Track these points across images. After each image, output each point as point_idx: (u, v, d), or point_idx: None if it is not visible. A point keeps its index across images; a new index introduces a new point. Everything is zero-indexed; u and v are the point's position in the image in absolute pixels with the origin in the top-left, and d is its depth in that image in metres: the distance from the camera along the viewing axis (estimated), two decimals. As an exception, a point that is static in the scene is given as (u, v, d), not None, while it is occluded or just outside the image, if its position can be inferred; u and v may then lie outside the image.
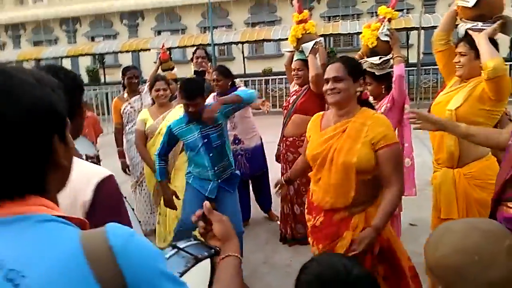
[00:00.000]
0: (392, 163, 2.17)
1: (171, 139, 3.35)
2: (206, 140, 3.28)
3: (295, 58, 4.01)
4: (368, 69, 3.47)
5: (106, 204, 1.26)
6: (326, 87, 2.31)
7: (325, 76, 2.35)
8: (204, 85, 3.40)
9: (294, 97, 3.98)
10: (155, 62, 5.77)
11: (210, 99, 4.20)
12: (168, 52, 5.64)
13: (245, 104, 3.48)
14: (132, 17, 23.89)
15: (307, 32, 3.84)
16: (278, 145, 4.32)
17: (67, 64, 22.91)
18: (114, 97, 5.99)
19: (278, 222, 4.41)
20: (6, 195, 0.77)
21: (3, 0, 25.92)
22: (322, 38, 4.06)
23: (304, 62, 3.84)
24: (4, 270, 0.70)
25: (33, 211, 0.77)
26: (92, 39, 24.26)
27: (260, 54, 22.12)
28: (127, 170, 4.73)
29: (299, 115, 3.85)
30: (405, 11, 19.66)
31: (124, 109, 4.64)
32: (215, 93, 4.42)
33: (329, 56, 18.48)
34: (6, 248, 0.73)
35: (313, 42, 3.79)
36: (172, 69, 5.44)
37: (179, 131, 3.31)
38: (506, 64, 2.51)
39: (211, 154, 3.33)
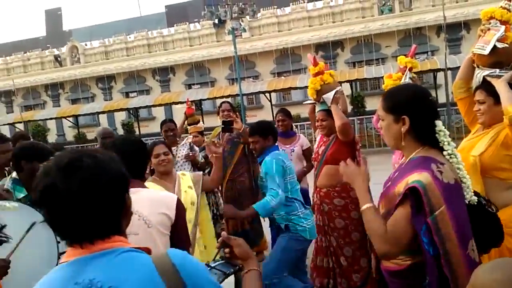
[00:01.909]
0: None
1: None
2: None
3: (317, 109, 3.95)
4: None
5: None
6: None
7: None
8: (271, 126, 3.76)
9: (323, 147, 3.91)
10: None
11: None
12: (193, 106, 5.82)
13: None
14: (164, 73, 24.98)
15: (326, 82, 3.80)
16: (312, 196, 4.23)
17: (103, 118, 23.97)
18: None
19: (308, 276, 4.15)
20: (99, 236, 1.10)
21: (44, 63, 27.70)
22: (341, 87, 4.07)
23: (327, 112, 3.81)
24: None
25: (116, 246, 1.11)
26: (127, 95, 25.39)
27: (287, 101, 22.54)
28: None
29: (331, 165, 3.75)
30: (429, 53, 19.85)
31: None
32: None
33: (357, 100, 18.76)
34: (101, 273, 1.06)
35: (333, 92, 3.76)
36: (197, 122, 5.61)
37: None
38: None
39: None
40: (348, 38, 21.55)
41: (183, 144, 4.93)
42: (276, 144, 3.78)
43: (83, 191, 1.06)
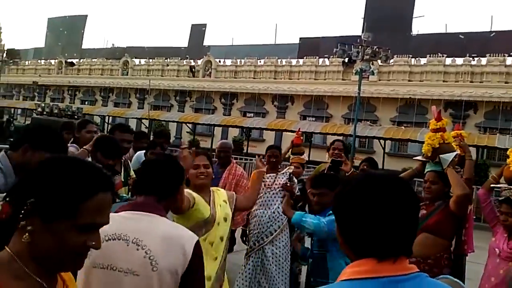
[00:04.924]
0: None
1: None
2: (312, 241, 3.22)
3: (427, 168, 3.52)
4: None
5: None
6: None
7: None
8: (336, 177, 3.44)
9: (424, 211, 3.43)
10: None
11: None
12: (302, 137, 5.75)
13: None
14: (283, 100, 25.53)
15: (446, 141, 3.39)
16: None
17: (218, 131, 25.15)
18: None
19: None
20: (405, 253, 1.08)
21: (180, 71, 30.14)
22: (458, 152, 3.62)
23: (439, 174, 3.38)
24: None
25: (415, 268, 1.09)
26: (244, 114, 26.41)
27: (402, 152, 21.42)
28: (244, 238, 4.77)
29: (430, 235, 3.30)
30: None
31: None
32: None
33: (480, 168, 17.12)
34: None
35: (454, 154, 3.35)
36: (302, 153, 5.50)
37: None
38: None
39: (310, 260, 3.22)
40: (485, 101, 19.89)
41: (283, 173, 4.82)
42: None
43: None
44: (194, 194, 2.80)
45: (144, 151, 4.46)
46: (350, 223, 1.09)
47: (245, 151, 21.69)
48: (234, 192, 3.33)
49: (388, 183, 1.11)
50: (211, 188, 3.04)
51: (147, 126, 22.69)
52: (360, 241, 1.07)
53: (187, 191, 2.81)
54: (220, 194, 3.02)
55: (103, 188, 1.05)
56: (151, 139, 5.26)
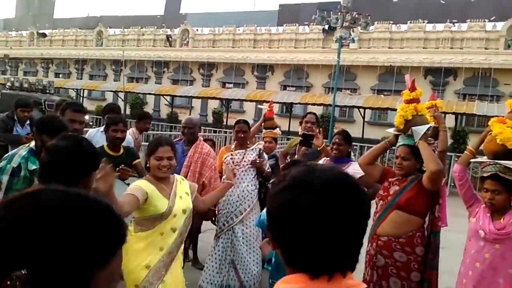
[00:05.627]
0: None
1: None
2: None
3: (399, 142, 3.32)
4: (499, 174, 2.84)
5: None
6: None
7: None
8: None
9: (397, 187, 3.24)
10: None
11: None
12: (273, 111, 5.58)
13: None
14: (262, 70, 25.05)
15: (419, 113, 3.20)
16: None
17: (197, 103, 24.63)
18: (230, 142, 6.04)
19: None
20: (341, 269, 0.89)
21: (156, 41, 29.24)
22: (432, 124, 3.41)
23: (412, 149, 3.19)
24: None
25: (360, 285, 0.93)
26: (224, 84, 25.89)
27: (382, 121, 21.35)
28: (213, 218, 4.60)
29: (402, 212, 3.14)
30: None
31: (225, 158, 4.57)
32: (327, 158, 4.08)
33: (459, 135, 17.13)
34: None
35: (427, 126, 3.17)
36: (274, 128, 5.31)
37: None
38: None
39: (273, 262, 3.12)
40: (464, 67, 19.80)
41: (252, 149, 4.58)
42: None
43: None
44: (149, 188, 2.69)
45: (96, 128, 4.16)
46: (280, 229, 0.91)
47: (225, 123, 21.37)
48: (196, 185, 3.21)
49: (329, 183, 0.88)
50: (176, 177, 2.91)
51: (123, 99, 22.08)
52: (292, 252, 0.90)
53: (137, 187, 2.70)
54: (184, 185, 2.91)
55: (119, 244, 0.74)
56: (106, 115, 4.91)
